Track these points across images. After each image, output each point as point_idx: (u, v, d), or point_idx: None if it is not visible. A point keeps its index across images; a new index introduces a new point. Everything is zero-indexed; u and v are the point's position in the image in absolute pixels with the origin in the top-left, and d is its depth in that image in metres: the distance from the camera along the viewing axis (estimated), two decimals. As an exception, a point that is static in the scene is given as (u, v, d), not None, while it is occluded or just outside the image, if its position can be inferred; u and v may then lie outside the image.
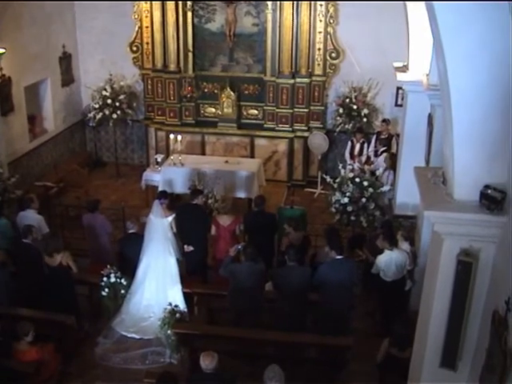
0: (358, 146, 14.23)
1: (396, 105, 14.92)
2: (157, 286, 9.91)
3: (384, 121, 14.26)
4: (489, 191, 5.43)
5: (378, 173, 12.47)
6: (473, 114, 5.23)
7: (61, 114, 16.02)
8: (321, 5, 14.41)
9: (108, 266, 9.97)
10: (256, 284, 8.94)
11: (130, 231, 10.35)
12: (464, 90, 5.14)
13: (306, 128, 15.28)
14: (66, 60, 16.01)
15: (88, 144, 17.30)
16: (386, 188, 11.37)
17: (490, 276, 5.78)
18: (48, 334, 8.85)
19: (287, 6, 14.30)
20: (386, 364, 8.16)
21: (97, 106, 15.63)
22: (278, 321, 9.01)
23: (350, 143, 14.39)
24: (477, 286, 5.82)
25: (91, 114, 15.81)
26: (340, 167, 11.73)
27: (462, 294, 5.80)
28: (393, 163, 12.69)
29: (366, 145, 14.22)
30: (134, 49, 15.72)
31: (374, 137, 14.14)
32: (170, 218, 10.36)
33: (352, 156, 14.20)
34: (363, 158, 13.93)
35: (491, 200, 5.42)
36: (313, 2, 14.37)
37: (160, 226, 9.91)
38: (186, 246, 10.53)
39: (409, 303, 9.88)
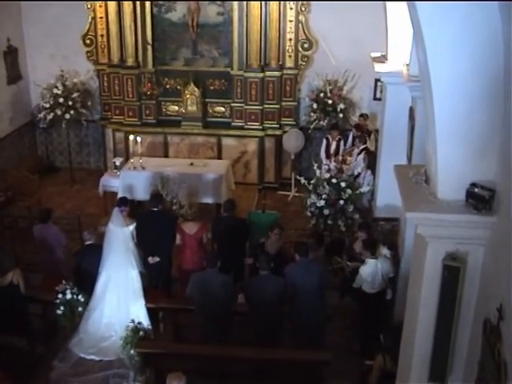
0: (334, 144, 14.25)
1: (375, 98, 15.01)
2: (118, 302, 9.81)
3: (362, 115, 14.32)
4: (476, 189, 5.45)
5: (356, 172, 12.50)
6: (456, 107, 5.27)
7: (7, 115, 15.83)
8: (291, -8, 14.47)
9: (63, 282, 9.84)
10: (224, 295, 8.91)
11: (87, 242, 10.25)
12: (446, 81, 5.17)
13: (277, 126, 15.30)
14: (11, 55, 15.80)
15: (39, 147, 17.12)
16: (365, 189, 11.42)
17: (480, 281, 5.82)
18: (-4, 360, 8.74)
19: (255, -8, 14.32)
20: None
21: (47, 105, 15.48)
22: (250, 335, 9.00)
23: (325, 141, 14.42)
24: (465, 293, 5.86)
25: (41, 115, 15.66)
26: (315, 167, 11.75)
27: (450, 301, 5.83)
28: (371, 162, 12.74)
29: (342, 142, 14.26)
30: (88, 42, 15.58)
31: (351, 133, 14.18)
32: (132, 227, 10.31)
33: (328, 155, 14.23)
34: (340, 157, 13.96)
35: (478, 199, 5.44)
36: (282, -11, 14.42)
37: (121, 236, 9.83)
38: (150, 258, 10.47)
39: (392, 314, 9.92)
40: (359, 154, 13.44)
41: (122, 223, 9.96)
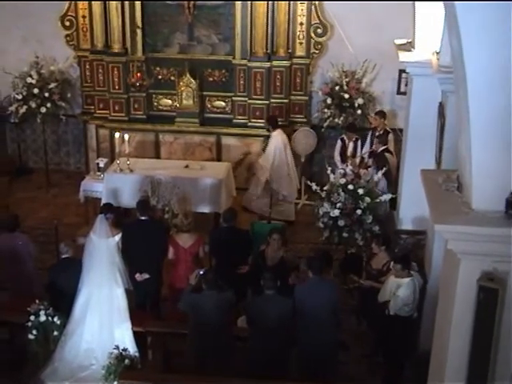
0: (350, 146, 14.24)
1: (399, 92, 15.04)
2: (100, 325, 9.78)
3: (378, 113, 14.25)
4: (516, 199, 5.44)
5: (376, 178, 12.47)
6: (495, 102, 5.24)
7: (-28, 108, 15.88)
8: (303, -31, 14.51)
9: (37, 301, 9.82)
10: (222, 318, 8.90)
11: (64, 256, 10.23)
12: (484, 73, 5.15)
13: (285, 123, 15.30)
14: (-26, 38, 15.86)
15: (9, 146, 17.17)
16: (386, 197, 11.39)
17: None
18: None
19: (261, -30, 14.36)
20: None
21: (20, 97, 15.50)
22: (253, 364, 8.96)
23: (340, 142, 14.40)
24: (505, 319, 5.82)
25: (13, 108, 15.67)
26: (329, 172, 11.73)
27: (486, 329, 5.80)
28: (380, 162, 12.69)
29: (359, 143, 14.24)
30: (67, 24, 15.62)
31: (370, 134, 14.16)
32: (117, 238, 10.29)
33: (344, 158, 14.20)
34: (357, 160, 13.93)
35: (520, 210, 5.43)
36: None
37: (104, 248, 9.79)
38: (138, 274, 10.46)
39: (417, 341, 9.89)
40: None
41: (107, 233, 9.92)
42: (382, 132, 13.89)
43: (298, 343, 9.11)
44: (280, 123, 14.57)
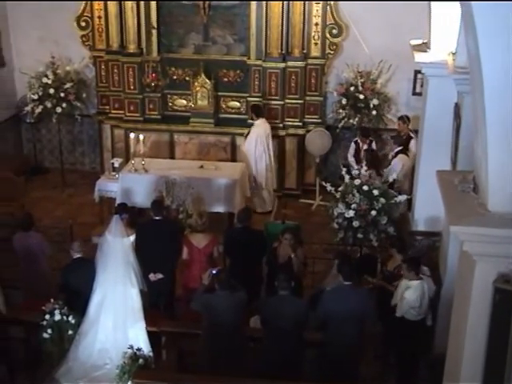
0: (364, 148, 14.19)
1: (414, 93, 15.00)
2: (114, 324, 9.79)
3: (401, 118, 14.18)
4: (533, 200, 5.41)
5: (391, 178, 12.44)
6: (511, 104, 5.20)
7: (-12, 107, 15.96)
8: (318, -31, 14.49)
9: (52, 300, 9.84)
10: (236, 319, 8.89)
11: (76, 255, 10.25)
12: (500, 73, 5.12)
13: (300, 124, 15.32)
14: (-9, 37, 15.94)
15: (25, 145, 17.25)
16: (401, 198, 11.36)
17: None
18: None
19: (276, -30, 14.35)
20: None
21: (36, 97, 15.54)
22: (266, 365, 8.93)
23: (353, 145, 14.38)
24: (521, 322, 5.79)
25: (28, 108, 15.72)
26: (343, 172, 11.71)
27: (502, 331, 5.77)
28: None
29: (374, 145, 14.22)
30: (83, 24, 15.66)
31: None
32: (132, 238, 10.32)
33: (358, 160, 14.17)
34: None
35: (537, 211, 5.40)
36: (308, -34, 14.45)
37: (119, 248, 9.81)
38: (152, 274, 10.48)
39: (432, 343, 9.85)
40: (394, 157, 13.40)
41: (122, 233, 9.95)
42: (405, 137, 13.82)
43: (321, 345, 9.08)
44: (263, 113, 14.70)
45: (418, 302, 9.37)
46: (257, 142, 14.24)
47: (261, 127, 14.35)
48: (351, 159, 14.30)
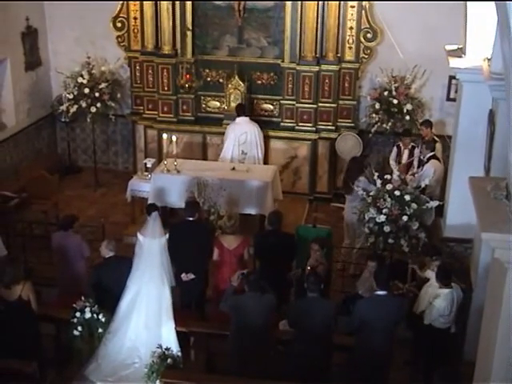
0: (406, 153, 14.08)
1: (448, 99, 14.91)
2: (146, 323, 9.86)
3: (423, 123, 14.10)
4: None
5: (423, 184, 12.40)
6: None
7: (24, 106, 16.08)
8: (354, -27, 14.46)
9: (83, 298, 9.92)
10: (264, 320, 8.92)
11: (109, 255, 10.30)
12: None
13: (333, 127, 15.27)
14: (30, 37, 16.00)
15: (59, 144, 17.38)
16: (433, 203, 11.31)
17: None
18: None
19: (312, -27, 14.34)
20: None
21: (71, 96, 15.65)
22: (295, 368, 8.93)
23: (395, 149, 14.28)
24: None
25: (63, 107, 15.86)
26: (375, 177, 11.68)
27: (532, 338, 5.73)
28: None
29: (416, 151, 14.13)
30: (119, 25, 15.74)
31: (420, 142, 14.06)
32: (165, 238, 10.36)
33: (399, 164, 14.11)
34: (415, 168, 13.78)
35: None
36: (344, -30, 14.41)
37: (156, 247, 9.89)
38: (184, 274, 10.54)
39: (462, 353, 9.78)
40: (426, 162, 13.32)
41: (160, 232, 10.01)
42: (430, 140, 13.76)
43: (353, 351, 9.09)
44: (244, 112, 14.70)
45: (447, 311, 9.35)
46: (231, 139, 14.49)
47: (240, 125, 14.49)
48: (392, 163, 14.23)
